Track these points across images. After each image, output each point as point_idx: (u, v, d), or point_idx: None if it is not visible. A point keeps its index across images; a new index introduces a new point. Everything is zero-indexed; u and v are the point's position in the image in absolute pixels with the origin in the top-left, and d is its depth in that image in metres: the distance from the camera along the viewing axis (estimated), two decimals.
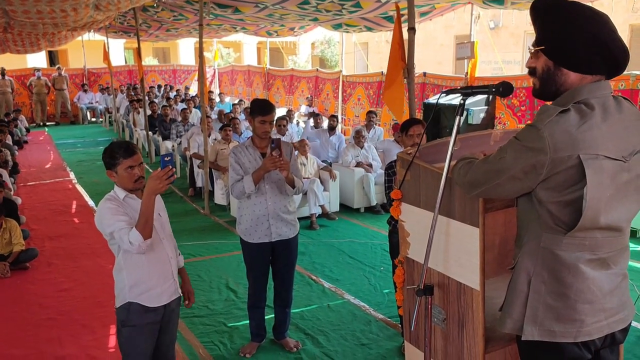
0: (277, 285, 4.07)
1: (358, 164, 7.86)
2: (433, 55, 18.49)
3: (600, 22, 1.69)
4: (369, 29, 10.57)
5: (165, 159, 2.73)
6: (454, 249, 1.99)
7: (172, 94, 15.90)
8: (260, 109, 3.72)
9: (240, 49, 26.88)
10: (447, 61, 18.12)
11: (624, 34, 21.85)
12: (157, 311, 2.96)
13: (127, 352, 2.96)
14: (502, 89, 1.82)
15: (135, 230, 2.71)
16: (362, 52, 18.91)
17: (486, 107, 8.38)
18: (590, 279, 1.74)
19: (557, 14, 1.72)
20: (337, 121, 9.46)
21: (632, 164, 1.72)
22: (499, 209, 1.99)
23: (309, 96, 14.42)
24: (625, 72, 4.55)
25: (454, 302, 2.03)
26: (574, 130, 1.63)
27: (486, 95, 8.47)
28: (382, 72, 11.52)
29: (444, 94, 2.05)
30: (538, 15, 1.76)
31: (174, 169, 2.77)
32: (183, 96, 15.65)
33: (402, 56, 4.40)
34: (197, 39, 21.76)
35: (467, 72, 9.26)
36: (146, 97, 15.14)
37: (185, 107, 11.69)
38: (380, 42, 19.25)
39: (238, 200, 3.95)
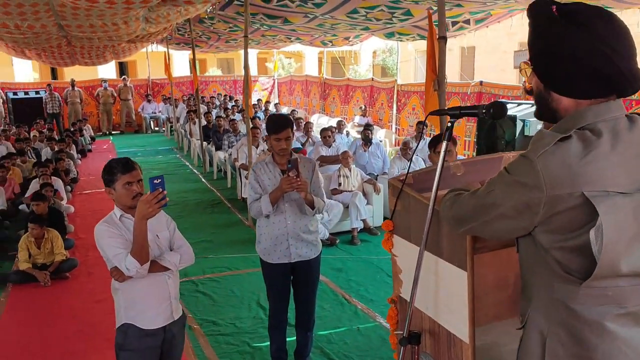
0: (298, 308, 3.89)
1: None
2: (496, 62, 17.85)
3: (595, 39, 1.36)
4: (422, 37, 10.25)
5: (155, 181, 2.60)
6: (443, 293, 1.74)
7: (230, 105, 16.08)
8: (273, 126, 3.58)
9: (301, 59, 27.00)
10: (511, 69, 17.42)
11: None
12: (156, 335, 2.84)
13: None
14: (493, 110, 1.56)
15: (130, 257, 2.62)
16: (420, 61, 18.50)
17: None
18: (621, 338, 1.40)
19: (541, 25, 1.43)
20: (372, 132, 9.27)
21: None
22: (495, 248, 1.71)
23: (362, 106, 14.20)
24: None
25: (444, 353, 1.78)
26: (574, 163, 1.34)
27: None
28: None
29: (431, 115, 1.80)
30: (530, 22, 1.48)
31: (165, 192, 2.63)
32: (240, 106, 15.80)
33: (433, 67, 4.13)
34: (259, 50, 21.99)
35: (525, 81, 8.80)
36: (204, 107, 15.43)
37: (235, 118, 11.75)
38: None
39: (257, 219, 3.81)
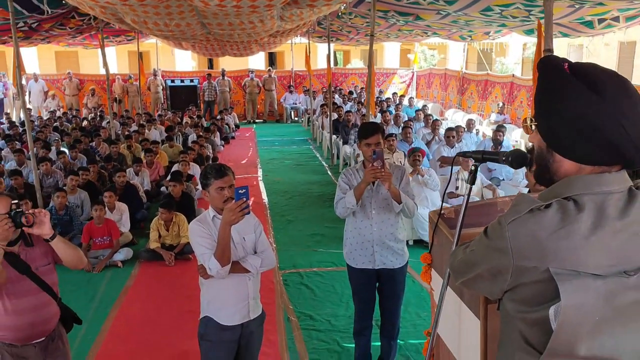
0: (383, 315, 3.93)
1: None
2: None
3: (607, 103, 1.25)
4: (565, 35, 9.58)
5: (240, 191, 2.80)
6: (464, 337, 1.70)
7: (363, 98, 16.23)
8: (363, 131, 3.62)
9: (445, 50, 26.36)
10: None
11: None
12: (234, 330, 3.05)
13: None
14: (511, 158, 1.50)
15: (213, 258, 2.83)
16: (573, 56, 17.22)
17: None
18: None
19: (550, 81, 1.33)
20: (504, 133, 8.77)
21: None
22: None
23: (500, 103, 13.58)
24: None
25: None
26: (544, 236, 1.25)
27: None
28: None
29: (458, 155, 1.75)
30: (538, 77, 1.39)
31: (248, 202, 2.82)
32: (376, 100, 15.88)
33: None
34: (400, 43, 21.76)
35: None
36: (340, 100, 15.71)
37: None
38: (598, 45, 17.36)
39: (345, 220, 3.89)
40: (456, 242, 1.63)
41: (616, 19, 8.18)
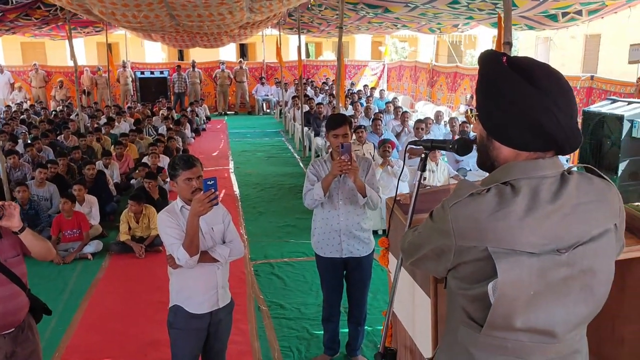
0: (350, 302, 4.04)
1: None
2: (625, 53, 16.46)
3: (541, 94, 1.36)
4: (530, 28, 9.79)
5: (208, 182, 2.84)
6: (417, 314, 1.80)
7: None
8: (331, 122, 3.70)
9: (416, 42, 26.58)
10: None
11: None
12: (203, 318, 3.11)
13: (174, 353, 3.17)
14: (457, 146, 1.61)
15: (182, 248, 2.88)
16: (541, 48, 17.56)
17: None
18: None
19: (490, 74, 1.44)
20: (469, 127, 8.97)
21: (573, 258, 1.36)
22: None
23: (468, 95, 13.82)
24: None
25: None
26: (483, 218, 1.35)
27: None
28: None
29: (410, 144, 1.85)
30: (479, 70, 1.49)
31: (217, 193, 2.86)
32: (347, 92, 15.95)
33: None
34: (371, 35, 21.83)
35: (639, 78, 8.16)
36: (312, 92, 15.75)
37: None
38: (564, 38, 17.72)
39: (313, 211, 3.97)
40: (408, 226, 1.72)
41: (579, 12, 8.39)
